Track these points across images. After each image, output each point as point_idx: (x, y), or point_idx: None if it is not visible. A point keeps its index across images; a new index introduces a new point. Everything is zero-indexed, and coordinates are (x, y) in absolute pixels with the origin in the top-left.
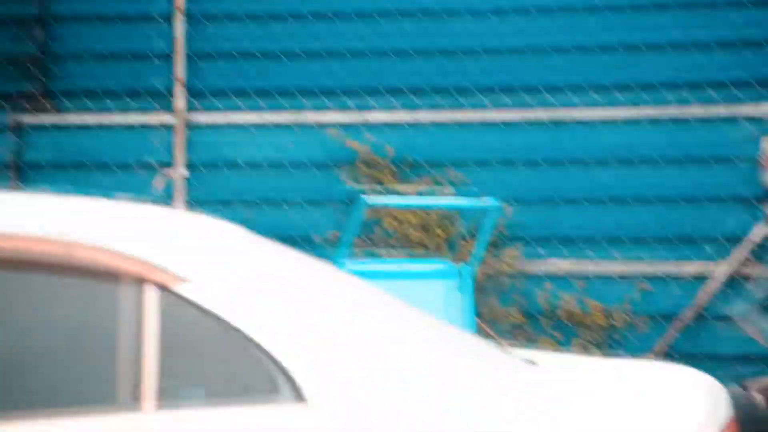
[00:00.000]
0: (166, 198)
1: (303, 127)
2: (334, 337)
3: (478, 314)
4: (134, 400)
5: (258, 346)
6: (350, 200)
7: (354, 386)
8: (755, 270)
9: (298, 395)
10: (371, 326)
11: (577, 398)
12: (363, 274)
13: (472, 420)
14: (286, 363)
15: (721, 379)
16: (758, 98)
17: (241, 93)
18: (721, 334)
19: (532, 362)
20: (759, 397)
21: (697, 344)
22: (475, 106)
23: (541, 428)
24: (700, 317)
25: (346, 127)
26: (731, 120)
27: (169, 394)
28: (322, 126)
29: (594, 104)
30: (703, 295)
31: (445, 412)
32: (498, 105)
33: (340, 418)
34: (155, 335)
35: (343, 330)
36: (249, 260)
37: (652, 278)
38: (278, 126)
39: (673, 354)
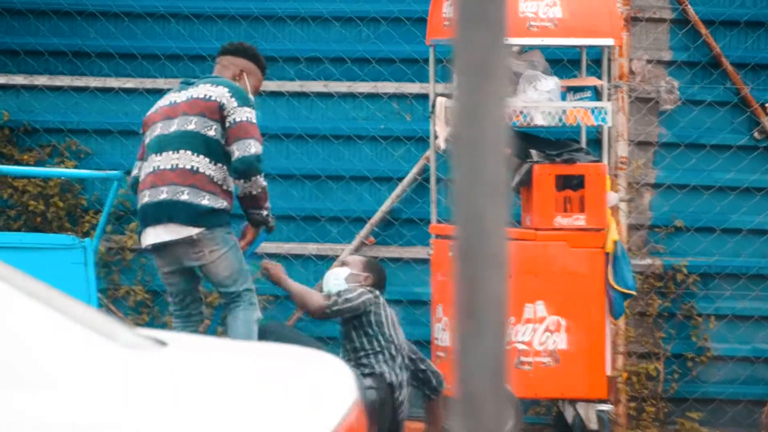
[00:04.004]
0: None
1: None
2: None
3: (102, 290)
4: None
5: None
6: None
7: None
8: (377, 252)
9: None
10: None
11: (210, 380)
12: None
13: (99, 404)
14: None
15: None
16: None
17: None
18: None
19: (162, 342)
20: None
21: (319, 325)
22: (94, 73)
23: (171, 410)
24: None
25: None
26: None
27: None
28: None
29: None
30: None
31: (65, 389)
32: (118, 72)
33: None
34: None
35: None
36: None
37: (277, 257)
38: None
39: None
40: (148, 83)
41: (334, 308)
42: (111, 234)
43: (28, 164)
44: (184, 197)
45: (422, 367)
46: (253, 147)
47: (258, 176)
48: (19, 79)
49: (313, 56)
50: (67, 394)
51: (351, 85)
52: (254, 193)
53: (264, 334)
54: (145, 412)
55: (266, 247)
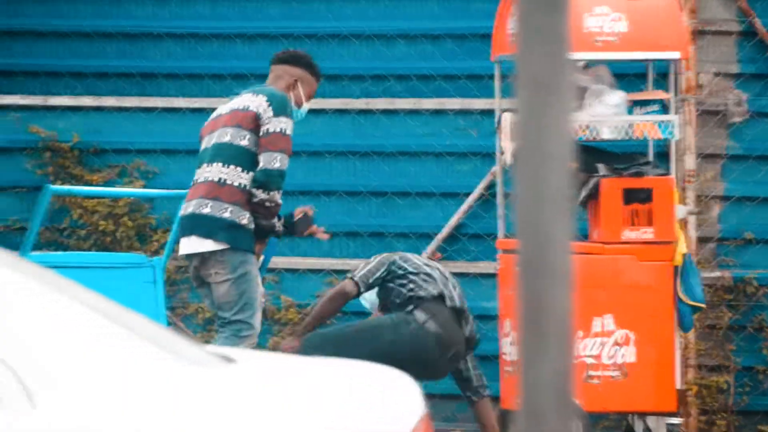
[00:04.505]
0: None
1: None
2: (23, 330)
3: (171, 308)
4: None
5: None
6: (35, 188)
7: (48, 382)
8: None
9: None
10: (63, 319)
11: (278, 396)
12: (51, 265)
13: (168, 417)
14: None
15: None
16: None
17: None
18: None
19: (231, 359)
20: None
21: None
22: (161, 94)
23: (241, 427)
24: None
25: (27, 111)
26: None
27: None
28: (3, 109)
29: None
30: None
31: (137, 410)
32: (184, 93)
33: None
34: None
35: (32, 323)
36: None
37: (342, 273)
38: None
39: None
40: (215, 103)
41: (359, 274)
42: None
43: (97, 184)
44: (207, 210)
45: (469, 365)
46: (278, 161)
47: (276, 192)
48: (88, 101)
49: (378, 74)
50: (135, 411)
51: (416, 102)
52: (267, 204)
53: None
54: (214, 430)
55: (333, 263)
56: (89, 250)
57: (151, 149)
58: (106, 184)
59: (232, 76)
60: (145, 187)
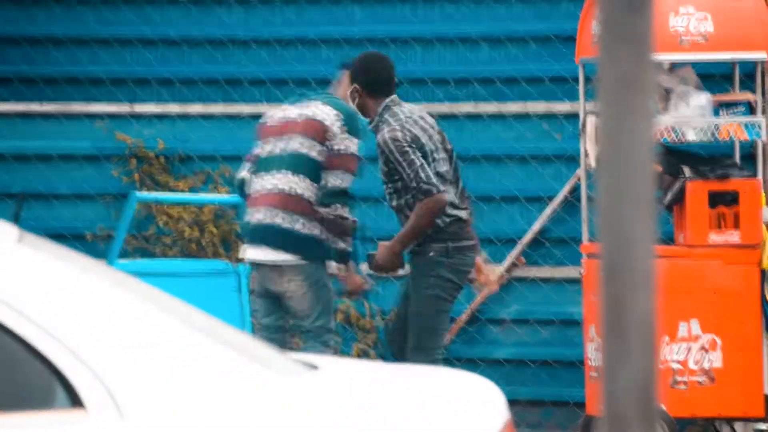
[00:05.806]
0: None
1: (70, 118)
2: (110, 339)
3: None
4: None
5: (34, 350)
6: (122, 195)
7: (136, 391)
8: (528, 272)
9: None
10: (149, 327)
11: (361, 404)
12: (137, 273)
13: (251, 424)
14: (63, 368)
15: (497, 382)
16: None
17: (3, 81)
18: (495, 337)
19: (314, 366)
20: None
21: (473, 347)
22: (247, 100)
23: None
24: (475, 320)
25: (114, 118)
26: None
27: None
28: (90, 117)
29: None
30: (479, 298)
31: (222, 416)
32: (270, 99)
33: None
34: None
35: (120, 331)
36: (16, 258)
37: None
38: (45, 117)
39: (449, 358)
40: None
41: (428, 177)
42: None
43: (182, 192)
44: (278, 220)
45: None
46: (339, 179)
47: (339, 206)
48: (174, 108)
49: (462, 78)
50: (227, 421)
51: (500, 105)
52: (332, 217)
53: None
54: None
55: None
56: (175, 257)
57: (237, 156)
58: (192, 191)
59: (317, 81)
60: (230, 193)
